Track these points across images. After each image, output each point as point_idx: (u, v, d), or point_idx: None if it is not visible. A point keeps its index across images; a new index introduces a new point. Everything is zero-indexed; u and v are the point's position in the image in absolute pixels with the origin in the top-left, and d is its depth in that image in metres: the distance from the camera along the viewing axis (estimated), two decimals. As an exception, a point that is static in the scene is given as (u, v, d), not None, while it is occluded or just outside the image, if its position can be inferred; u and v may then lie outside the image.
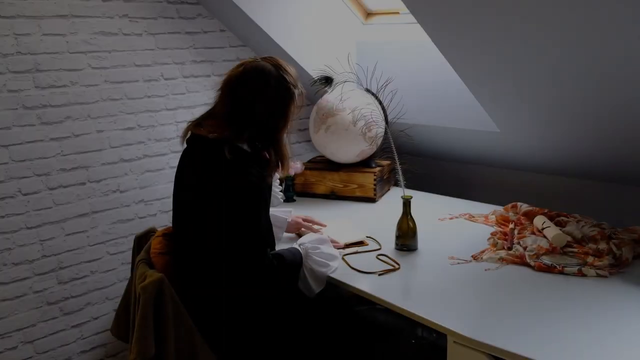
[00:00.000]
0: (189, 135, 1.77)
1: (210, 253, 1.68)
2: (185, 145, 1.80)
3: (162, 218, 2.57)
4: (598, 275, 1.71)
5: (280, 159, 1.74)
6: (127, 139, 2.41)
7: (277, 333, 1.77)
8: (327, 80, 2.35)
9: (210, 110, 1.76)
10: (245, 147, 1.70)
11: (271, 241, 1.84)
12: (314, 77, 2.39)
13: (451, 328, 1.46)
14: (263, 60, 1.73)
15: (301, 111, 1.82)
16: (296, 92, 1.74)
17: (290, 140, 1.85)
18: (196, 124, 1.74)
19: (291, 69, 1.75)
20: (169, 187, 2.56)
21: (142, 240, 1.96)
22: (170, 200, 2.56)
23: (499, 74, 1.94)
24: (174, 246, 1.81)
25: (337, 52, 2.73)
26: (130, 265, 2.40)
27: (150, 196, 2.52)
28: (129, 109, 2.40)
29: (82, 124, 2.28)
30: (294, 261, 1.79)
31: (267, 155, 1.72)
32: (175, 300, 1.61)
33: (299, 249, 1.84)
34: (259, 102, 1.68)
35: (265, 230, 1.72)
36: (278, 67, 1.72)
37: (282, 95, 1.71)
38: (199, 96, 2.61)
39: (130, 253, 2.40)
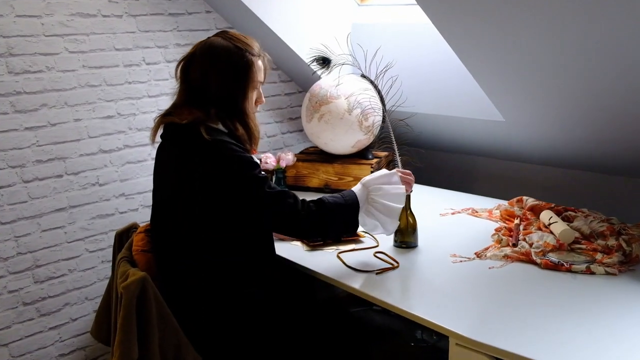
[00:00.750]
0: (161, 130, 1.80)
1: (215, 234, 1.70)
2: (157, 142, 1.84)
3: (145, 213, 2.57)
4: (607, 273, 1.72)
5: (247, 131, 1.76)
6: (107, 128, 2.41)
7: (268, 335, 1.78)
8: (325, 61, 2.35)
9: (174, 102, 1.79)
10: (220, 127, 1.74)
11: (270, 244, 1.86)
12: (311, 57, 2.39)
13: (453, 329, 1.47)
14: (214, 36, 1.79)
15: (266, 77, 1.84)
16: (253, 59, 1.75)
17: (260, 118, 1.87)
18: (165, 115, 1.78)
19: (247, 38, 1.78)
20: (152, 180, 2.54)
21: (123, 237, 1.97)
22: (153, 193, 2.56)
23: (505, 61, 1.95)
24: (154, 244, 1.83)
25: (331, 35, 2.72)
26: (110, 264, 2.41)
27: (131, 189, 2.52)
28: (108, 96, 2.39)
29: (58, 112, 2.27)
30: (343, 204, 1.79)
31: (232, 125, 1.75)
32: (159, 300, 1.62)
33: (357, 192, 1.83)
34: (210, 77, 1.71)
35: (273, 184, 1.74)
36: (229, 38, 1.75)
37: (234, 65, 1.72)
38: (184, 82, 2.59)
39: (110, 250, 2.40)
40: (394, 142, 2.09)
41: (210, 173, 1.67)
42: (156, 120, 1.79)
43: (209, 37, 1.79)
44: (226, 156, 1.67)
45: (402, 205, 1.85)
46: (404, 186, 1.88)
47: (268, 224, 1.76)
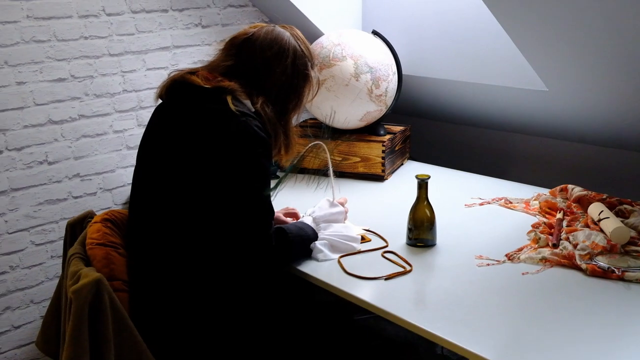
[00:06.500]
0: (168, 86, 1.85)
1: (198, 229, 1.75)
2: (158, 102, 1.89)
3: (104, 198, 2.57)
4: (669, 283, 1.72)
5: (287, 141, 1.92)
6: (58, 94, 2.39)
7: (253, 347, 1.80)
8: None
9: (206, 65, 1.91)
10: (248, 104, 1.82)
11: None
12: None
13: (476, 352, 1.46)
14: (281, 27, 1.93)
15: (314, 96, 2.02)
16: (312, 74, 1.95)
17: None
18: (188, 72, 1.84)
19: (310, 46, 1.96)
20: (114, 158, 2.56)
21: (76, 228, 1.97)
22: (115, 175, 2.56)
23: (549, 19, 1.93)
24: (130, 237, 1.84)
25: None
26: (61, 259, 2.41)
27: (88, 169, 2.51)
28: (59, 54, 2.37)
29: (-3, 74, 2.26)
30: (301, 242, 1.92)
31: (272, 129, 1.86)
32: (116, 307, 1.62)
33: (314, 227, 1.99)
34: (273, 69, 1.85)
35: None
36: (297, 38, 1.92)
37: (298, 69, 1.90)
38: (153, 37, 2.59)
39: (61, 243, 2.40)
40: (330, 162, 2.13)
41: (223, 149, 1.72)
42: (171, 76, 1.85)
43: (274, 25, 1.92)
44: (248, 134, 1.73)
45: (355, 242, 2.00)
46: (350, 226, 2.07)
47: (228, 228, 1.77)
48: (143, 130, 1.93)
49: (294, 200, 2.28)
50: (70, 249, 1.83)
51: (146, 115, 2.59)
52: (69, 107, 2.43)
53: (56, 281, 2.40)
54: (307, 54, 1.92)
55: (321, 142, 2.07)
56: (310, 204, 2.20)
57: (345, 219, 2.09)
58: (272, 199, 1.83)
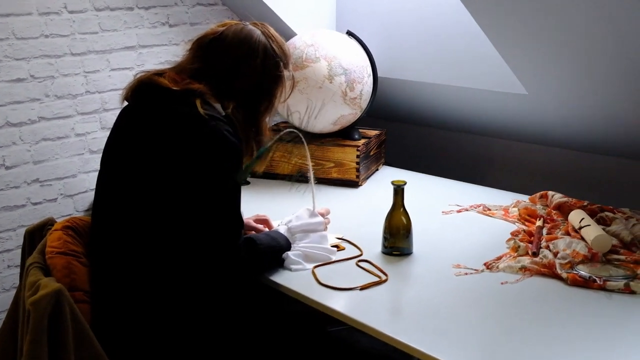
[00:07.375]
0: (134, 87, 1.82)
1: (163, 240, 1.73)
2: (123, 104, 1.86)
3: (65, 204, 2.55)
4: (652, 293, 1.72)
5: (259, 147, 1.89)
6: (16, 95, 2.37)
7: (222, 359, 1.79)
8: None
9: (174, 66, 1.87)
10: (218, 107, 1.82)
11: None
12: None
13: (454, 364, 1.45)
14: (252, 24, 1.89)
15: (288, 97, 1.99)
16: (286, 73, 1.92)
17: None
18: (155, 73, 1.81)
19: (284, 44, 1.93)
20: (76, 162, 2.54)
21: (35, 235, 1.95)
22: (77, 180, 2.54)
23: (528, 21, 1.93)
24: (93, 245, 1.82)
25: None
26: (19, 269, 2.37)
27: (48, 174, 2.49)
28: (18, 53, 2.35)
29: (-49, 73, 2.23)
30: (272, 252, 1.90)
31: (243, 133, 1.84)
32: (78, 319, 1.59)
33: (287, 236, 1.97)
34: (241, 70, 1.83)
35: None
36: (269, 36, 1.88)
37: (269, 70, 1.86)
38: (118, 36, 2.58)
39: (19, 252, 2.36)
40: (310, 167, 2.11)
41: (191, 154, 1.70)
42: (137, 77, 1.82)
43: (245, 24, 1.88)
44: (218, 139, 1.71)
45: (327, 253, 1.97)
46: (327, 236, 2.03)
47: (194, 237, 1.74)
48: (107, 133, 1.90)
49: (267, 207, 2.26)
50: (29, 258, 1.81)
51: (110, 117, 2.58)
52: (28, 109, 2.41)
53: (13, 292, 2.35)
54: (279, 53, 1.89)
55: (296, 131, 2.05)
56: (283, 210, 2.19)
57: (325, 229, 2.05)
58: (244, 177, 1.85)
